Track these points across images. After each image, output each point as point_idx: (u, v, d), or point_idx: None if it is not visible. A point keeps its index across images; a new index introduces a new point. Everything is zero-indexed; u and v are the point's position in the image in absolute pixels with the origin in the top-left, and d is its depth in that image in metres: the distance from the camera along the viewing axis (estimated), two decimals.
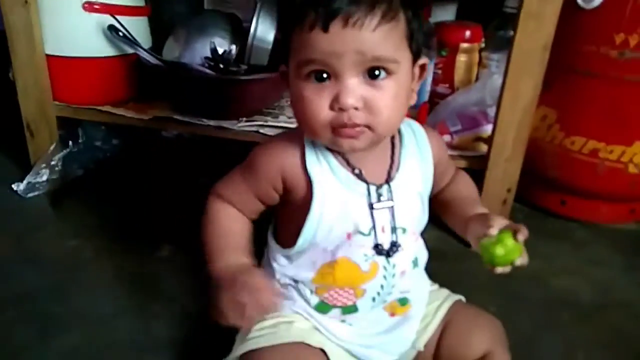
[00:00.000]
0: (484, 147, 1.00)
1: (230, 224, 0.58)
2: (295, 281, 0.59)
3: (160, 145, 1.32)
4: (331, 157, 0.55)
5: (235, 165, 0.60)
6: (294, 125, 0.95)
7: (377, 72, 0.47)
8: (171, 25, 1.18)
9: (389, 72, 0.47)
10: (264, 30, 1.04)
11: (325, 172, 0.54)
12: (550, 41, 0.83)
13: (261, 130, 1.01)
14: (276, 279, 0.60)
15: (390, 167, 0.57)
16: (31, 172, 1.09)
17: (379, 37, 0.45)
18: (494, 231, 0.52)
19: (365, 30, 0.45)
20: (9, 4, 0.97)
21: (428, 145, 0.60)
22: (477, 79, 1.20)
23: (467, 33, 1.15)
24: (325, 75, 0.47)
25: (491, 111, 1.01)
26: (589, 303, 0.87)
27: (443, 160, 0.63)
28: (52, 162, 1.10)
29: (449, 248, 0.97)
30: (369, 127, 0.49)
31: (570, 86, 1.01)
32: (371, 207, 0.54)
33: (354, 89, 0.47)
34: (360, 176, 0.55)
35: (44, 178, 1.09)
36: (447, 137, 1.01)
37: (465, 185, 0.67)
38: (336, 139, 0.50)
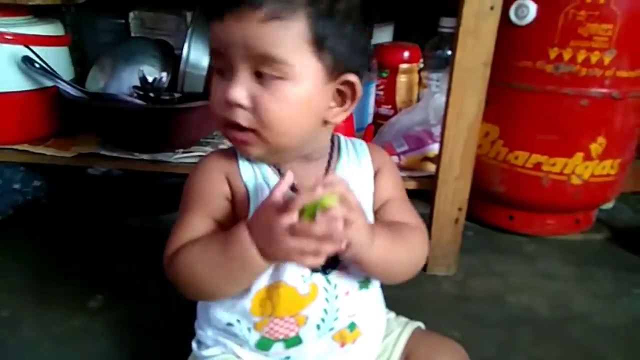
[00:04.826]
0: (431, 167, 0.98)
1: (206, 240, 0.50)
2: (230, 324, 0.53)
3: (86, 184, 1.21)
4: (265, 167, 0.53)
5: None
6: None
7: (265, 72, 0.45)
8: (97, 56, 1.10)
9: (281, 75, 0.45)
10: (197, 55, 0.98)
11: (259, 182, 0.52)
12: (490, 58, 0.83)
13: None
14: (212, 325, 0.55)
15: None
16: None
17: (266, 33, 0.44)
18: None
19: (250, 23, 0.44)
20: None
21: (368, 157, 0.57)
22: (418, 99, 1.19)
23: (406, 54, 1.15)
24: (225, 70, 0.47)
25: (436, 130, 1.00)
26: (547, 319, 0.86)
27: (387, 183, 0.57)
28: None
29: None
30: (255, 132, 0.47)
31: (509, 102, 1.02)
32: None
33: (243, 83, 0.46)
34: (293, 188, 0.51)
35: None
36: (394, 159, 0.99)
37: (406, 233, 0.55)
38: (230, 141, 0.50)
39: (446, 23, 1.13)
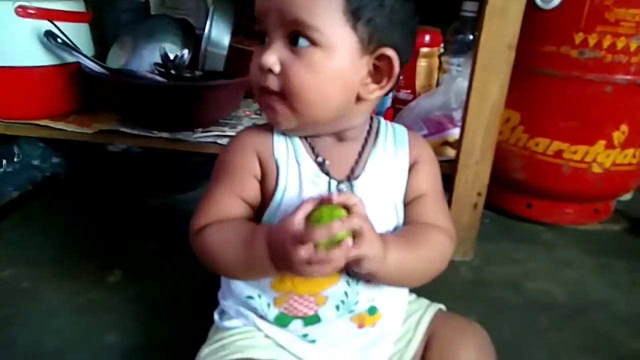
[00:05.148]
0: (451, 152, 0.97)
1: (229, 232, 0.51)
2: (250, 297, 0.54)
3: (106, 161, 1.22)
4: (299, 143, 0.52)
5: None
6: None
7: (298, 38, 0.45)
8: (117, 35, 1.10)
9: (313, 42, 0.45)
10: (218, 34, 0.97)
11: (290, 158, 0.52)
12: (515, 40, 0.82)
13: (219, 141, 0.95)
14: (234, 296, 0.56)
15: (356, 164, 0.53)
16: None
17: None
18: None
19: None
20: None
21: (406, 147, 0.55)
22: (437, 83, 1.18)
23: (427, 37, 1.14)
24: (263, 38, 0.48)
25: (456, 114, 1.00)
26: (565, 306, 0.86)
27: (422, 177, 0.56)
28: None
29: None
30: (283, 97, 0.47)
31: (532, 87, 1.01)
32: None
33: (276, 49, 0.46)
34: (322, 166, 0.51)
35: None
36: None
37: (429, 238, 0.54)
38: (262, 109, 0.51)
39: (468, 7, 1.11)
